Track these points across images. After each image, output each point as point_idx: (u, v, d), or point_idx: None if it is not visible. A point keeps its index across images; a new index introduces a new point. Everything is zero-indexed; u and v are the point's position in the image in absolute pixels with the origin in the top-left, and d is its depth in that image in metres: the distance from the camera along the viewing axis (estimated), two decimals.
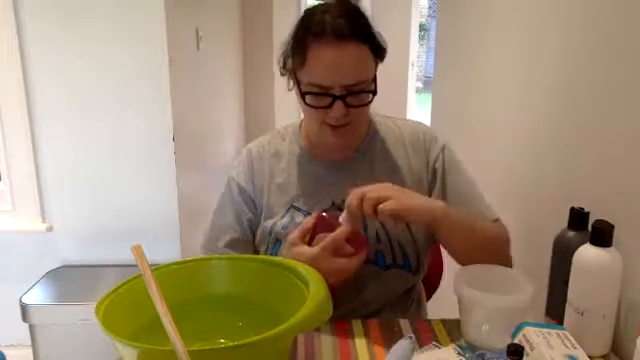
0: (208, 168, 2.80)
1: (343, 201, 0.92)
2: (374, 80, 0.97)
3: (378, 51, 0.97)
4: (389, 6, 5.25)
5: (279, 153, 1.09)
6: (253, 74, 3.84)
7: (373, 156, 1.06)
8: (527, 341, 0.73)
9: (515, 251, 1.03)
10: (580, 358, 0.70)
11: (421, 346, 0.83)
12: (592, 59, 1.01)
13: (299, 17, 0.98)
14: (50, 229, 2.08)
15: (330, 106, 0.93)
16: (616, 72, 0.92)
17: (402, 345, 0.81)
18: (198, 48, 2.43)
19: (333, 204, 1.03)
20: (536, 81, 1.29)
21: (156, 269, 0.79)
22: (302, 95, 0.96)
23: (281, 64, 1.00)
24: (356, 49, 0.92)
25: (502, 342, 0.70)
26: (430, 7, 11.69)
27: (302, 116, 1.06)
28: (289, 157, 1.08)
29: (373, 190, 0.86)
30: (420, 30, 7.36)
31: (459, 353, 0.81)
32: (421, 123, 1.12)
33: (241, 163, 1.10)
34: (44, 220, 2.09)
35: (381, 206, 0.84)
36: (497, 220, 1.04)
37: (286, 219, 1.04)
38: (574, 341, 0.74)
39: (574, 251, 0.80)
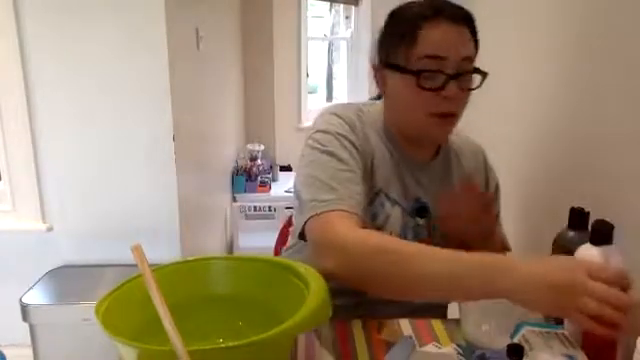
0: (208, 168, 2.79)
1: (425, 204, 1.04)
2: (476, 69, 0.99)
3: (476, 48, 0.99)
4: (389, 6, 5.25)
5: (367, 136, 1.03)
6: (253, 74, 3.84)
7: (449, 161, 1.10)
8: (527, 341, 0.74)
9: (515, 251, 1.03)
10: (579, 358, 0.70)
11: (421, 346, 0.83)
12: (592, 59, 1.01)
13: (390, 15, 1.02)
14: (50, 229, 2.08)
15: (443, 87, 0.94)
16: (617, 72, 0.92)
17: (402, 345, 0.81)
18: (198, 48, 2.43)
19: (417, 200, 1.05)
20: (536, 82, 1.29)
21: (156, 269, 0.79)
22: (416, 74, 0.94)
23: (375, 61, 1.01)
24: (467, 32, 0.95)
25: (502, 342, 0.70)
26: None
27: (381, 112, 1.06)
28: (375, 143, 1.03)
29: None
30: None
31: (459, 353, 0.81)
32: (475, 142, 1.17)
33: (341, 124, 1.00)
34: (44, 220, 2.08)
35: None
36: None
37: (375, 207, 1.01)
38: (573, 341, 0.74)
39: (574, 251, 0.80)
